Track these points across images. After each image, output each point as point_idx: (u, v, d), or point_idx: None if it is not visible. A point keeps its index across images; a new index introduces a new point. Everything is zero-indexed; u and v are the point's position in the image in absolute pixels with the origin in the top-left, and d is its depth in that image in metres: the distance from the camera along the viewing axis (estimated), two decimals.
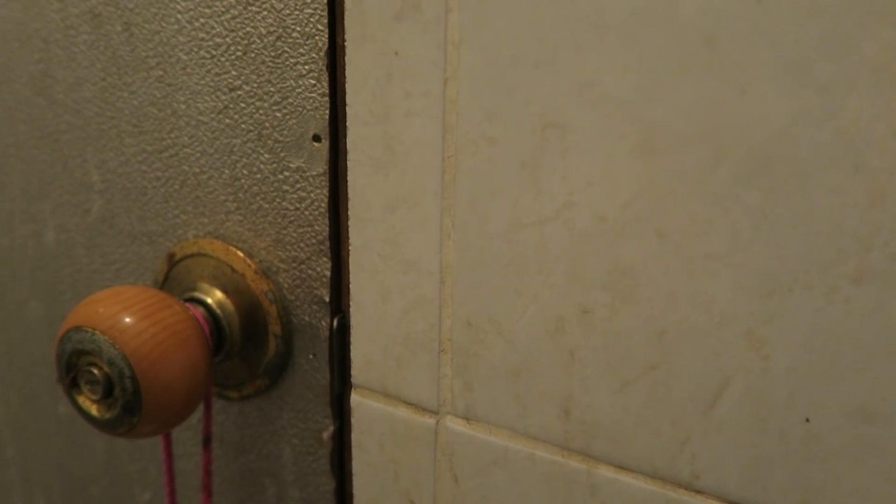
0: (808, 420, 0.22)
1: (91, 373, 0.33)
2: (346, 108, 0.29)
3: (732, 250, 0.23)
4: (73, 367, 0.34)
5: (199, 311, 0.38)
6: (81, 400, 0.34)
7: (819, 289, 0.21)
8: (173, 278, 0.41)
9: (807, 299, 0.22)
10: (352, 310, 0.32)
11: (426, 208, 0.28)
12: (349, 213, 0.30)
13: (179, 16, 0.38)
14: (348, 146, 0.29)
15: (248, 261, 0.39)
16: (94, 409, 0.34)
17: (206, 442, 0.40)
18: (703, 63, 0.22)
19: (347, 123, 0.29)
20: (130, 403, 0.33)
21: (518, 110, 0.25)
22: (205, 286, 0.40)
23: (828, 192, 0.21)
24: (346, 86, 0.29)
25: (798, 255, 0.22)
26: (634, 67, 0.23)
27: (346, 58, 0.28)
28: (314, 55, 0.34)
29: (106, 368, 0.33)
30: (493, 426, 0.29)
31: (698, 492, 0.25)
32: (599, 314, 0.25)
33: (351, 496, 0.39)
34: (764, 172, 0.22)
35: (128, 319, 0.34)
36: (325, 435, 0.40)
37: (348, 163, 0.30)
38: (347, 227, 0.34)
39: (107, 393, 0.33)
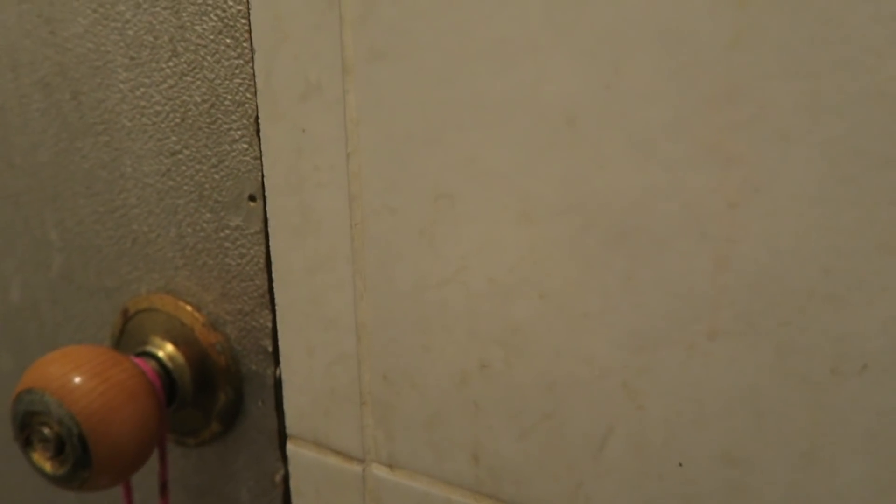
0: (681, 465, 0.24)
1: (42, 432, 0.35)
2: (264, 179, 0.31)
3: (605, 309, 0.24)
4: (27, 426, 0.36)
5: (150, 365, 0.40)
6: (36, 457, 0.36)
7: (681, 344, 0.23)
8: (128, 332, 0.43)
9: (672, 354, 0.24)
10: (283, 364, 0.34)
11: (340, 271, 0.30)
12: (273, 276, 0.32)
13: (122, 85, 0.40)
14: (268, 214, 0.31)
15: (197, 314, 0.41)
16: (47, 466, 0.36)
17: (163, 488, 0.41)
18: (567, 141, 0.24)
19: (266, 193, 0.31)
20: (81, 459, 0.35)
21: (413, 182, 0.27)
22: (157, 340, 0.42)
23: (680, 258, 0.23)
24: (263, 158, 0.31)
25: (661, 314, 0.23)
26: (509, 144, 0.25)
27: (260, 133, 0.31)
28: (245, 121, 0.36)
29: (56, 427, 0.35)
30: (414, 472, 0.30)
31: None
32: (497, 368, 0.27)
33: None
34: (626, 239, 0.23)
35: (77, 379, 0.35)
36: (278, 477, 0.41)
37: (269, 229, 0.32)
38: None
39: (58, 450, 0.35)
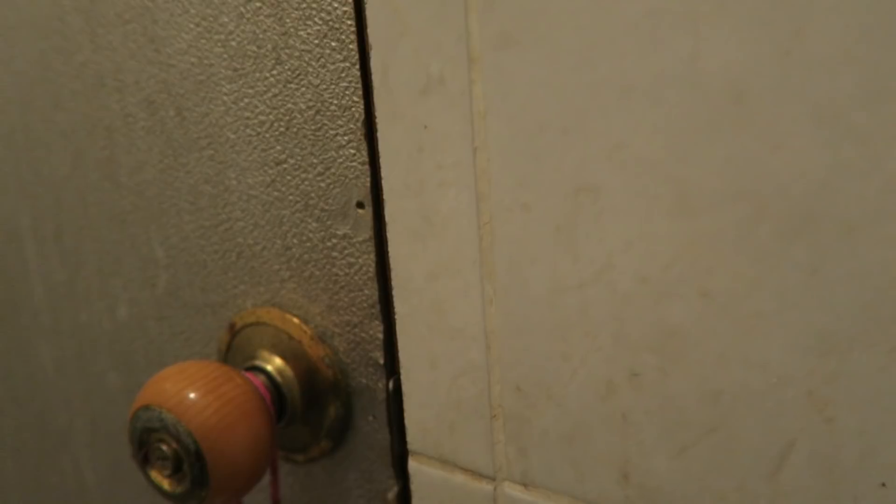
0: (884, 485, 0.21)
1: (161, 449, 0.34)
2: (382, 181, 0.29)
3: (783, 309, 0.22)
4: (145, 443, 0.35)
5: (260, 380, 0.39)
6: (154, 475, 0.36)
7: (879, 347, 0.20)
8: (235, 347, 0.43)
9: (868, 358, 0.20)
10: (402, 377, 0.32)
11: (467, 276, 0.28)
12: (393, 283, 0.31)
13: (225, 97, 0.40)
14: (387, 218, 0.30)
15: (304, 327, 0.40)
16: (165, 484, 0.35)
17: None
18: (733, 120, 0.21)
19: (384, 196, 0.30)
20: (198, 477, 0.34)
21: (549, 176, 0.25)
22: (265, 354, 0.41)
23: (878, 246, 0.20)
24: (381, 160, 0.29)
25: (854, 312, 0.20)
26: (663, 128, 0.22)
27: (377, 133, 0.29)
28: (352, 126, 0.35)
29: (174, 445, 0.34)
30: (552, 492, 0.28)
31: None
32: (650, 377, 0.25)
33: None
34: (808, 228, 0.21)
35: (192, 395, 0.35)
36: (391, 496, 0.40)
37: (388, 234, 0.30)
38: (393, 297, 0.35)
39: (176, 468, 0.34)
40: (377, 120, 0.29)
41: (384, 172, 0.29)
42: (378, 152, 0.34)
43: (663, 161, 0.23)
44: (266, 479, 0.45)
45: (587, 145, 0.24)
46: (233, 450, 0.35)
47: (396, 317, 0.31)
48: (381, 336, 0.37)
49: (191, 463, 0.34)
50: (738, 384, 0.23)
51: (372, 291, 0.37)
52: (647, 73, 0.22)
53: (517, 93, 0.25)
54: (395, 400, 0.37)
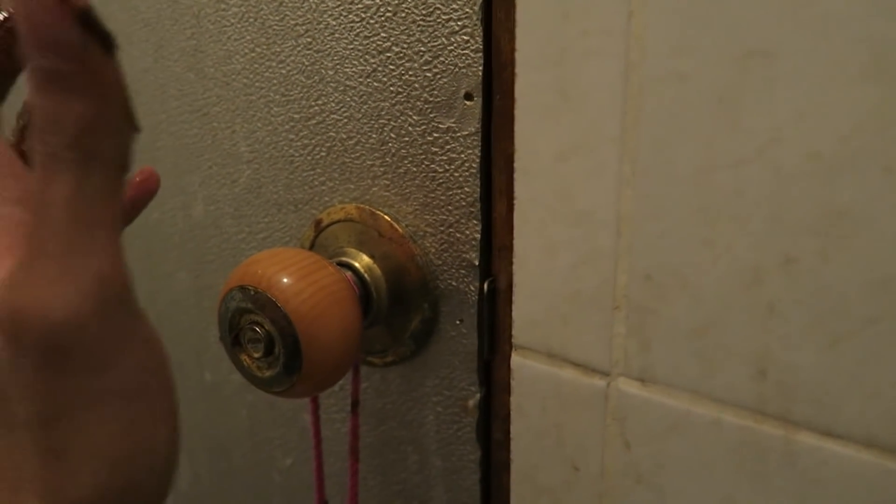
0: None
1: (254, 330, 0.34)
2: (515, 53, 0.28)
3: None
4: (236, 325, 0.35)
5: (348, 275, 0.38)
6: (243, 358, 0.35)
7: None
8: (320, 244, 0.42)
9: None
10: (515, 267, 0.31)
11: (602, 155, 0.26)
12: (515, 165, 0.29)
13: None
14: (516, 94, 0.28)
15: (395, 225, 0.39)
16: (254, 368, 0.35)
17: (354, 405, 0.40)
18: None
19: (516, 70, 0.28)
20: (290, 362, 0.33)
21: (714, 40, 0.23)
22: (352, 251, 0.40)
23: None
24: (517, 30, 0.27)
25: None
26: None
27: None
28: (468, 10, 0.33)
29: (268, 327, 0.33)
30: (673, 388, 0.27)
31: None
32: (807, 263, 0.23)
33: (500, 465, 0.39)
34: None
35: (286, 280, 0.34)
36: (471, 403, 0.39)
37: (516, 112, 0.29)
38: (502, 185, 0.33)
39: (268, 351, 0.34)
40: None
41: (519, 43, 0.27)
42: (494, 36, 0.32)
43: (859, 17, 0.21)
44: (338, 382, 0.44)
45: (763, 3, 0.22)
46: (326, 337, 0.34)
47: (516, 201, 0.30)
48: (477, 236, 0.36)
49: (286, 346, 0.33)
50: None
51: (473, 189, 0.35)
52: None
53: None
54: (489, 303, 0.36)
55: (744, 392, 0.25)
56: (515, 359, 0.32)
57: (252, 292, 0.33)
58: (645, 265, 0.26)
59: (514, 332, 0.32)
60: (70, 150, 0.17)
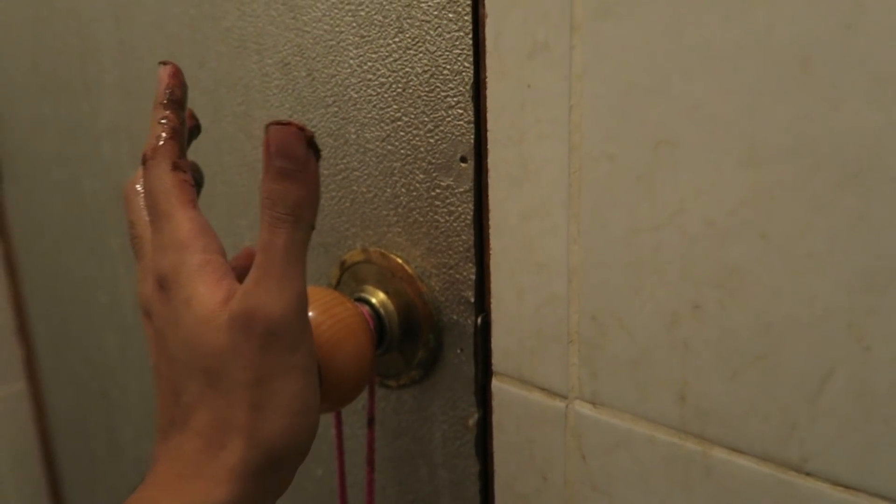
0: None
1: None
2: (487, 133, 0.34)
3: (832, 250, 0.25)
4: None
5: (365, 309, 0.45)
6: None
7: None
8: (344, 281, 0.49)
9: None
10: (492, 307, 0.37)
11: (555, 217, 0.32)
12: (490, 222, 0.35)
13: (352, 61, 0.45)
14: (489, 165, 0.35)
15: (406, 266, 0.45)
16: None
17: (370, 422, 0.46)
18: (799, 84, 0.24)
19: (488, 146, 0.34)
20: None
21: (634, 130, 0.29)
22: (370, 288, 0.47)
23: None
24: (487, 115, 0.34)
25: (894, 254, 0.24)
26: (737, 89, 0.26)
27: (486, 91, 0.34)
28: (461, 88, 0.40)
29: None
30: (617, 410, 0.32)
31: (808, 474, 0.27)
32: (710, 309, 0.28)
33: (493, 478, 0.44)
34: (859, 179, 0.24)
35: (311, 314, 0.41)
36: (471, 421, 0.45)
37: (489, 180, 0.35)
38: (489, 236, 0.40)
39: None
40: (487, 79, 0.34)
41: (490, 125, 0.34)
42: (483, 111, 0.38)
43: (735, 119, 0.26)
44: (362, 400, 0.51)
45: (669, 104, 0.28)
46: (341, 362, 0.40)
47: (491, 253, 0.36)
48: (473, 277, 0.42)
49: None
50: (788, 316, 0.26)
51: (468, 237, 0.42)
52: (727, 42, 0.26)
53: (611, 57, 0.29)
54: (482, 335, 0.42)
55: (669, 414, 0.30)
56: (495, 383, 0.38)
57: None
58: (591, 307, 0.32)
59: (493, 361, 0.38)
60: (289, 216, 0.27)
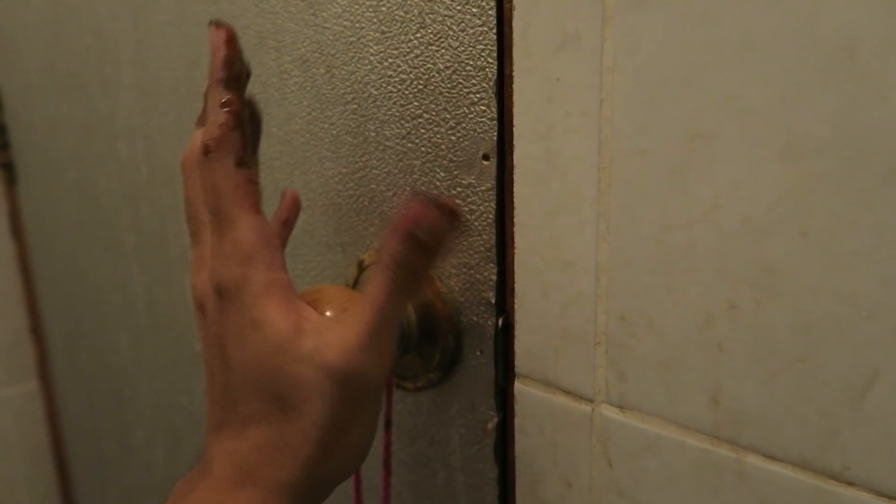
0: None
1: None
2: (513, 128, 0.33)
3: (877, 246, 0.24)
4: None
5: None
6: None
7: None
8: (361, 282, 0.48)
9: None
10: (516, 306, 0.36)
11: (583, 214, 0.31)
12: (515, 220, 0.34)
13: (372, 57, 0.45)
14: (514, 162, 0.34)
15: None
16: None
17: (388, 424, 0.45)
18: (844, 73, 0.23)
19: (514, 142, 0.34)
20: None
21: (667, 124, 0.28)
22: None
23: None
24: (514, 109, 0.33)
25: None
26: (776, 80, 0.25)
27: (513, 85, 0.33)
28: (484, 84, 0.39)
29: None
30: (645, 414, 0.31)
31: (849, 483, 0.26)
32: (746, 309, 0.27)
33: (513, 483, 0.43)
34: None
35: (328, 313, 0.40)
36: (490, 425, 0.44)
37: (515, 176, 0.34)
38: (513, 234, 0.39)
39: None
40: (514, 73, 0.33)
41: (516, 120, 0.33)
42: (506, 107, 0.38)
43: (775, 111, 0.25)
44: None
45: (704, 96, 0.27)
46: None
47: (516, 251, 0.35)
48: (494, 278, 0.41)
49: None
50: (829, 316, 0.25)
51: (489, 236, 0.41)
52: (765, 30, 0.25)
53: (644, 49, 0.28)
54: (503, 336, 0.41)
55: (701, 419, 0.29)
56: (517, 385, 0.37)
57: None
58: (619, 307, 0.31)
59: (516, 363, 0.37)
60: (403, 279, 0.28)
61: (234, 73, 0.30)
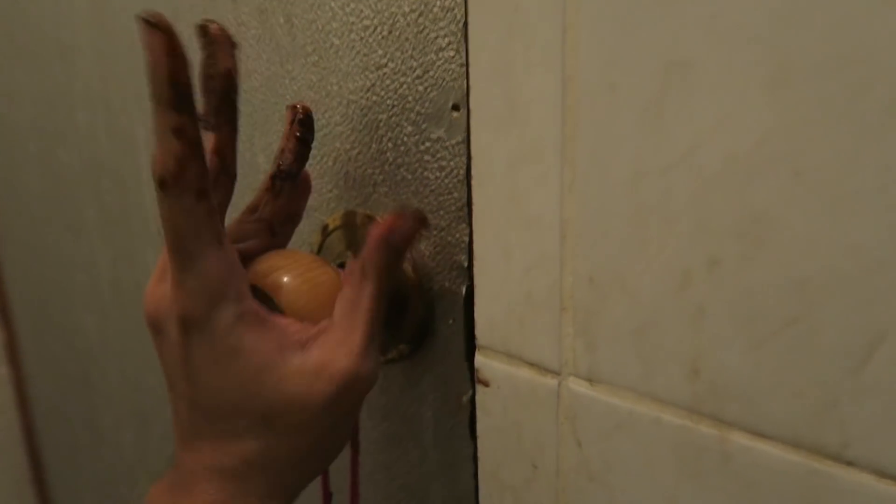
0: None
1: None
2: (468, 67, 0.29)
3: (883, 187, 0.20)
4: None
5: None
6: None
7: None
8: (326, 247, 0.45)
9: None
10: (475, 270, 0.32)
11: (547, 162, 0.28)
12: (472, 171, 0.31)
13: (332, 3, 0.41)
14: (471, 105, 0.30)
15: None
16: None
17: None
18: None
19: (470, 82, 0.30)
20: None
21: (639, 52, 0.24)
22: (353, 255, 0.42)
23: None
24: (469, 45, 0.29)
25: None
26: None
27: (468, 17, 0.29)
28: (453, 27, 0.35)
29: None
30: (617, 387, 0.28)
31: (848, 463, 0.22)
32: (730, 265, 0.24)
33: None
34: None
35: (286, 279, 0.37)
36: (465, 398, 0.40)
37: (471, 122, 0.30)
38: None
39: None
40: (469, 4, 0.29)
41: (471, 57, 0.29)
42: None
43: (763, 30, 0.21)
44: None
45: (682, 17, 0.23)
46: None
47: (474, 208, 0.31)
48: (466, 239, 0.37)
49: None
50: (827, 271, 0.21)
51: (461, 194, 0.37)
52: None
53: None
54: (468, 304, 0.38)
55: (680, 392, 0.26)
56: (478, 358, 0.33)
57: (254, 289, 0.36)
58: (588, 268, 0.27)
59: (476, 333, 0.33)
60: (385, 282, 0.31)
61: (182, 91, 0.25)
